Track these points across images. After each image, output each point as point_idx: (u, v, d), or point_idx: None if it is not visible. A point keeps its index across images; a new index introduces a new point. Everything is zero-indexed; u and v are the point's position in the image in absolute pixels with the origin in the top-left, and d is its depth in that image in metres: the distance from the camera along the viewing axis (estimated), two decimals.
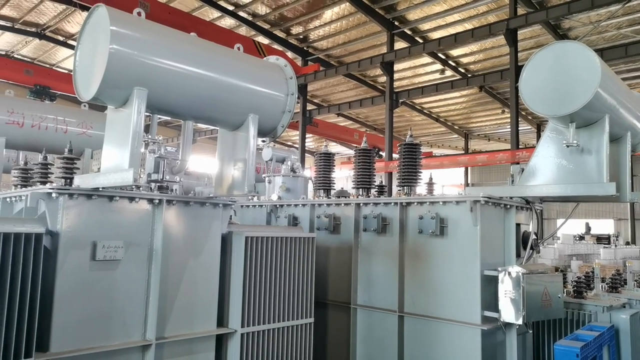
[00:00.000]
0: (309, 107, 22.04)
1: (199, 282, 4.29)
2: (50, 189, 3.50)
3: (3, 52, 23.43)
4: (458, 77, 19.97)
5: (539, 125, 24.99)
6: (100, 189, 3.64)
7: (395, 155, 20.05)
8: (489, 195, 4.74)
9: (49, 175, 4.51)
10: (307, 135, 23.90)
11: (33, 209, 3.74)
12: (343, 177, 24.27)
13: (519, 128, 15.97)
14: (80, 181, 3.72)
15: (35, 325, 3.30)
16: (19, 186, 4.85)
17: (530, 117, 24.17)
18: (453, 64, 20.18)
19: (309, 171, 10.67)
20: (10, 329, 3.18)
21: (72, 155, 3.97)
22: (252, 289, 4.48)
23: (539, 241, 5.29)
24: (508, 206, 5.07)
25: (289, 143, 31.02)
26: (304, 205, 6.38)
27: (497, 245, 4.98)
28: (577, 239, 19.15)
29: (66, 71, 23.92)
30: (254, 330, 4.48)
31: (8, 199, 4.30)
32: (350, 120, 27.78)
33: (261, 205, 6.90)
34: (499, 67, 18.67)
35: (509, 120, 18.33)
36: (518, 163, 12.41)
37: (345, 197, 6.26)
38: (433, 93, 19.34)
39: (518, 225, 5.18)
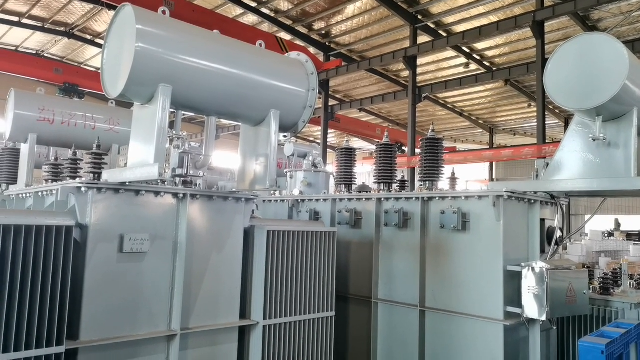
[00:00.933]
0: (331, 102, 22.01)
1: (222, 275, 4.37)
2: (79, 183, 3.63)
3: (34, 52, 24.12)
4: (483, 70, 19.63)
5: (567, 120, 24.37)
6: (127, 184, 3.75)
7: (418, 151, 19.89)
8: (512, 190, 4.68)
9: (79, 171, 4.65)
10: (329, 131, 23.93)
11: (63, 203, 3.88)
12: (365, 172, 24.20)
13: (546, 122, 15.64)
14: (108, 176, 3.83)
15: (66, 314, 3.43)
16: (49, 181, 5.02)
17: (557, 111, 23.60)
18: (478, 57, 19.83)
19: (331, 167, 10.69)
20: (42, 318, 3.31)
21: (100, 150, 4.10)
22: (274, 282, 4.55)
23: (564, 237, 5.20)
24: (532, 201, 5.00)
25: (311, 139, 31.09)
26: (325, 200, 6.42)
27: (520, 241, 4.92)
28: (606, 235, 18.65)
29: (94, 69, 24.48)
30: (276, 323, 4.55)
31: (40, 193, 4.46)
32: (373, 115, 27.63)
33: (283, 200, 6.97)
34: (525, 60, 18.26)
35: (535, 114, 17.96)
36: (544, 158, 12.16)
37: (367, 192, 6.27)
38: (457, 87, 19.04)
39: (543, 220, 5.10)
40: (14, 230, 3.22)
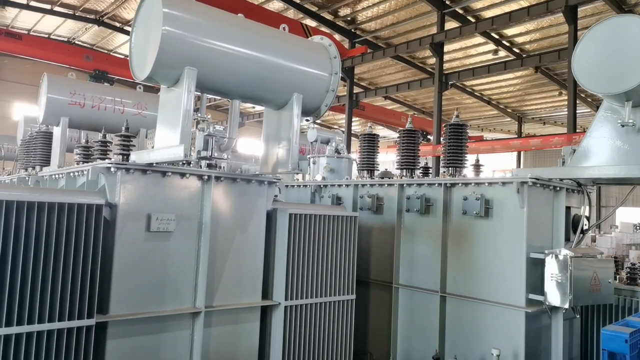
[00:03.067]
0: (356, 90, 21.89)
1: (245, 256, 4.47)
2: (109, 163, 3.76)
3: (65, 39, 24.71)
4: (512, 57, 19.15)
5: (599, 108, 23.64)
6: (154, 165, 3.86)
7: (443, 140, 19.65)
8: (537, 176, 4.62)
9: (108, 152, 4.80)
10: (353, 119, 23.84)
11: (94, 183, 4.03)
12: (390, 160, 24.04)
13: (577, 111, 15.21)
14: (136, 157, 3.95)
15: (97, 288, 3.59)
16: (80, 162, 5.19)
17: (589, 100, 22.89)
18: (507, 43, 19.35)
19: (355, 154, 10.69)
20: (74, 291, 3.47)
21: (129, 133, 4.22)
22: (296, 264, 4.63)
23: (590, 225, 5.10)
24: (558, 188, 4.92)
25: (335, 127, 31.02)
26: (347, 185, 6.45)
27: (544, 228, 4.86)
28: (637, 227, 18.12)
29: (123, 56, 24.93)
30: (297, 304, 4.63)
31: (72, 174, 4.64)
32: (398, 103, 27.37)
33: (305, 185, 7.04)
34: (557, 46, 17.74)
35: (566, 102, 17.48)
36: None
37: (389, 178, 6.27)
38: (485, 74, 18.63)
39: (568, 208, 5.02)
40: (48, 207, 3.37)
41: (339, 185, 6.55)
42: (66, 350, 3.42)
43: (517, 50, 19.77)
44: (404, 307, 5.60)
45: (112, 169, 3.75)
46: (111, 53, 25.13)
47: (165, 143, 3.72)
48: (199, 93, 3.84)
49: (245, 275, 4.48)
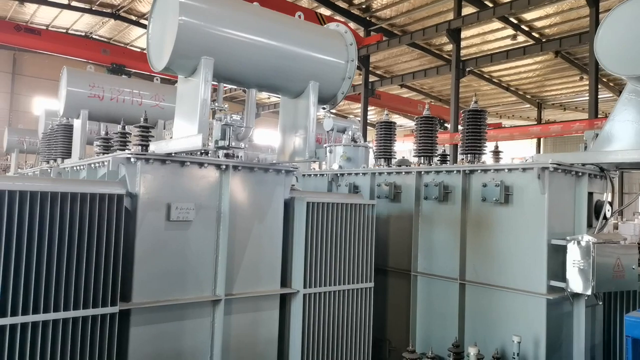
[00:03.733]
0: (372, 78, 21.71)
1: (263, 244, 4.50)
2: (129, 154, 3.81)
3: (82, 34, 25.02)
4: (531, 42, 18.76)
5: (621, 93, 23.05)
6: (173, 154, 3.90)
7: (461, 128, 19.41)
8: (558, 161, 4.53)
9: (127, 144, 4.87)
10: (369, 108, 23.68)
11: (114, 173, 4.09)
12: (406, 149, 23.89)
13: (599, 96, 14.87)
14: (155, 147, 4.00)
15: (119, 276, 3.66)
16: (100, 154, 5.27)
17: (612, 84, 22.34)
18: (526, 28, 18.95)
19: (371, 143, 10.63)
20: (98, 280, 3.55)
21: (148, 124, 4.26)
22: (314, 252, 4.64)
23: (612, 211, 5.00)
24: (580, 174, 4.83)
25: (351, 116, 30.88)
26: (364, 174, 6.43)
27: (566, 215, 4.78)
28: None
29: (139, 49, 25.14)
30: (315, 292, 4.66)
31: (92, 165, 4.71)
32: (414, 91, 27.09)
33: (322, 174, 7.03)
34: (578, 30, 17.30)
35: (587, 87, 17.08)
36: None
37: (407, 166, 6.23)
38: (503, 60, 18.30)
39: (590, 194, 4.92)
40: (71, 198, 3.44)
41: (356, 174, 6.53)
42: (91, 337, 3.51)
43: (537, 35, 19.36)
44: (422, 295, 5.58)
45: (132, 159, 3.80)
46: (128, 46, 25.37)
47: (184, 133, 3.75)
48: (215, 83, 3.85)
49: (263, 264, 4.52)
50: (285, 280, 4.68)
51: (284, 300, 4.68)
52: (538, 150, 27.68)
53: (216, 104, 3.93)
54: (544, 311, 4.47)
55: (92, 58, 20.09)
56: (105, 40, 25.27)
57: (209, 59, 3.54)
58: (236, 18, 3.74)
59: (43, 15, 22.70)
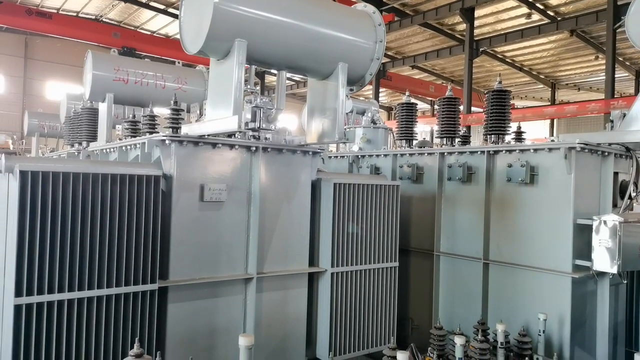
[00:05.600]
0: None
1: (292, 224, 4.59)
2: (163, 136, 3.88)
3: (93, 17, 24.98)
4: (546, 21, 18.47)
5: (638, 72, 22.70)
6: (206, 136, 3.97)
7: (474, 109, 19.26)
8: (585, 141, 4.55)
9: (156, 126, 4.94)
10: (380, 89, 23.57)
11: (147, 156, 4.17)
12: (420, 131, 23.77)
13: (615, 75, 14.68)
14: (188, 129, 4.07)
15: (158, 256, 3.77)
16: (128, 137, 5.36)
17: (628, 63, 22.02)
18: (541, 6, 18.62)
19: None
20: (137, 259, 3.66)
21: (178, 106, 4.32)
22: (341, 232, 4.73)
23: (638, 191, 5.02)
24: (606, 153, 4.84)
25: (362, 98, 30.74)
26: (385, 155, 6.48)
27: (592, 194, 4.82)
28: None
29: (149, 33, 25.10)
30: (342, 271, 4.76)
31: (124, 148, 4.80)
32: (426, 72, 26.87)
33: (343, 156, 7.08)
34: (594, 8, 17.00)
35: (603, 67, 16.86)
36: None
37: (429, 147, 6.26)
38: (518, 39, 18.14)
39: (616, 174, 4.94)
40: (111, 179, 3.53)
41: (377, 156, 6.57)
42: (132, 313, 3.64)
43: (552, 14, 19.03)
44: (445, 275, 5.67)
45: (167, 141, 3.88)
46: (137, 29, 25.30)
47: (217, 115, 3.81)
48: (248, 65, 3.90)
49: (292, 243, 4.61)
50: (312, 260, 4.78)
51: (312, 279, 4.79)
52: (551, 131, 27.46)
53: (248, 86, 3.97)
54: (569, 290, 4.54)
55: (102, 41, 20.10)
56: (115, 23, 25.22)
57: (242, 42, 3.58)
58: (269, 0, 3.76)
59: None
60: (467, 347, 3.97)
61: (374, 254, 5.00)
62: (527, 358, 4.20)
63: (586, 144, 4.56)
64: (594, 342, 4.86)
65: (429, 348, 4.38)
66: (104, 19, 25.13)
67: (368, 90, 25.92)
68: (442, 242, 5.70)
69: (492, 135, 5.38)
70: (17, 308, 3.20)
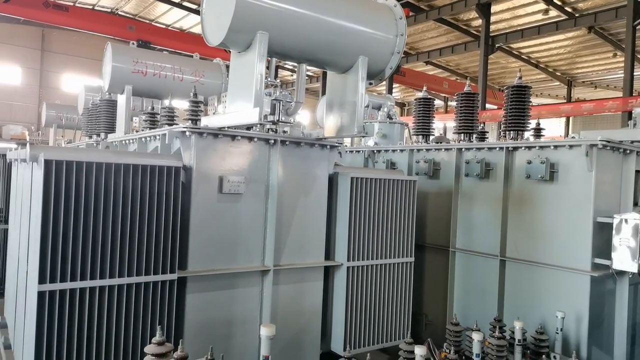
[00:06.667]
0: None
1: (309, 218, 4.60)
2: (184, 127, 3.90)
3: (108, 10, 25.16)
4: (564, 17, 18.20)
5: None
6: (226, 128, 3.99)
7: (488, 105, 19.10)
8: (607, 138, 4.48)
9: (175, 118, 4.97)
10: (393, 85, 23.44)
11: (167, 147, 4.20)
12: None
13: (634, 73, 14.44)
14: (208, 121, 4.08)
15: (177, 246, 3.80)
16: (147, 129, 5.40)
17: None
18: (558, 2, 18.34)
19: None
20: (158, 249, 3.70)
21: (198, 99, 4.35)
22: (357, 226, 4.73)
23: None
24: (627, 151, 4.77)
25: (374, 94, 30.61)
26: (402, 150, 6.45)
27: (612, 192, 4.76)
28: None
29: (164, 26, 25.22)
30: (358, 265, 4.77)
31: (143, 139, 4.84)
32: (440, 68, 26.65)
33: (358, 151, 7.07)
34: (613, 4, 16.71)
35: (621, 64, 16.59)
36: (630, 112, 11.35)
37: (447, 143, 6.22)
38: (534, 36, 17.89)
39: (638, 172, 4.88)
40: (133, 170, 3.57)
41: (393, 151, 6.55)
42: (152, 301, 3.68)
43: (569, 10, 18.74)
44: (460, 271, 5.65)
45: (187, 133, 3.90)
46: (153, 23, 25.43)
47: (238, 108, 3.82)
48: (268, 58, 3.90)
49: (309, 236, 4.62)
50: (328, 254, 4.79)
51: (327, 273, 4.80)
52: (567, 129, 27.12)
53: (269, 79, 3.97)
54: (588, 288, 4.50)
55: (118, 34, 20.21)
56: (131, 16, 25.37)
57: (264, 34, 3.58)
58: None
59: None
60: (483, 344, 3.96)
61: (390, 248, 5.00)
62: (544, 356, 4.17)
63: (608, 141, 4.50)
64: (612, 341, 4.82)
65: (445, 344, 4.37)
66: (119, 12, 25.30)
67: (381, 86, 25.81)
68: (458, 238, 5.67)
69: (511, 132, 5.33)
70: (41, 294, 3.26)
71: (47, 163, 3.26)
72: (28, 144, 3.47)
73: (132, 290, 3.59)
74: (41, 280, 3.25)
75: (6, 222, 6.58)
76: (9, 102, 25.44)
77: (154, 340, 2.88)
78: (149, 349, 2.84)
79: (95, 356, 3.44)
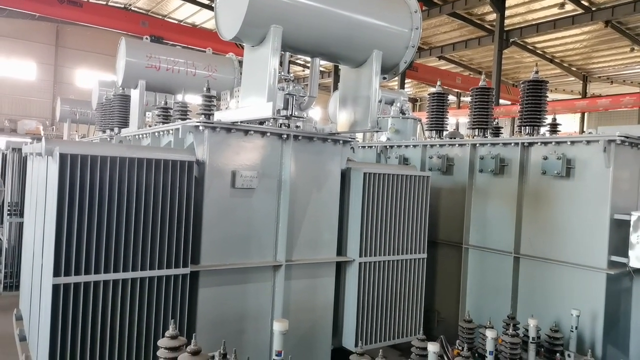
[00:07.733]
0: None
1: (321, 213, 4.58)
2: (197, 122, 3.90)
3: (121, 5, 25.30)
4: (580, 11, 17.88)
5: None
6: (239, 123, 3.98)
7: (502, 101, 18.87)
8: (625, 134, 4.40)
9: (188, 113, 4.97)
10: (406, 80, 23.28)
11: (180, 142, 4.21)
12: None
13: None
14: (221, 116, 4.08)
15: (190, 240, 3.81)
16: (159, 124, 5.40)
17: None
18: None
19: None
20: (171, 243, 3.71)
21: (211, 94, 4.34)
22: (369, 222, 4.71)
23: None
24: None
25: (387, 89, 30.42)
26: (415, 146, 6.40)
27: (630, 189, 4.67)
28: None
29: (177, 22, 25.30)
30: (370, 261, 4.75)
31: (156, 134, 4.85)
32: (453, 63, 26.38)
33: (371, 146, 7.03)
34: None
35: (639, 59, 16.28)
36: None
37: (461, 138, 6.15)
38: (550, 30, 17.59)
39: None
40: (146, 164, 3.58)
41: (406, 146, 6.50)
42: (165, 295, 3.70)
43: (586, 3, 18.39)
44: (474, 268, 5.60)
45: (201, 127, 3.90)
46: (165, 18, 25.52)
47: (251, 102, 3.81)
48: (282, 52, 3.87)
49: (321, 232, 4.61)
50: (340, 249, 4.77)
51: (339, 268, 4.78)
52: (582, 125, 26.72)
53: (282, 73, 3.95)
54: (604, 286, 4.43)
55: (131, 30, 20.31)
56: (144, 12, 25.49)
57: (278, 28, 3.55)
58: None
59: None
60: (497, 341, 3.92)
61: (403, 245, 4.97)
62: (558, 354, 4.12)
63: (626, 137, 4.41)
64: (628, 340, 4.74)
65: (458, 341, 4.34)
66: (132, 8, 25.43)
67: (393, 81, 25.65)
68: (472, 234, 5.62)
69: (527, 127, 5.25)
70: (55, 287, 3.29)
71: (63, 157, 3.28)
72: (43, 138, 3.49)
73: (145, 284, 3.61)
74: (56, 273, 3.28)
75: (21, 215, 6.66)
76: (24, 97, 25.78)
77: (167, 333, 2.89)
78: (162, 342, 2.85)
79: (108, 348, 3.47)
